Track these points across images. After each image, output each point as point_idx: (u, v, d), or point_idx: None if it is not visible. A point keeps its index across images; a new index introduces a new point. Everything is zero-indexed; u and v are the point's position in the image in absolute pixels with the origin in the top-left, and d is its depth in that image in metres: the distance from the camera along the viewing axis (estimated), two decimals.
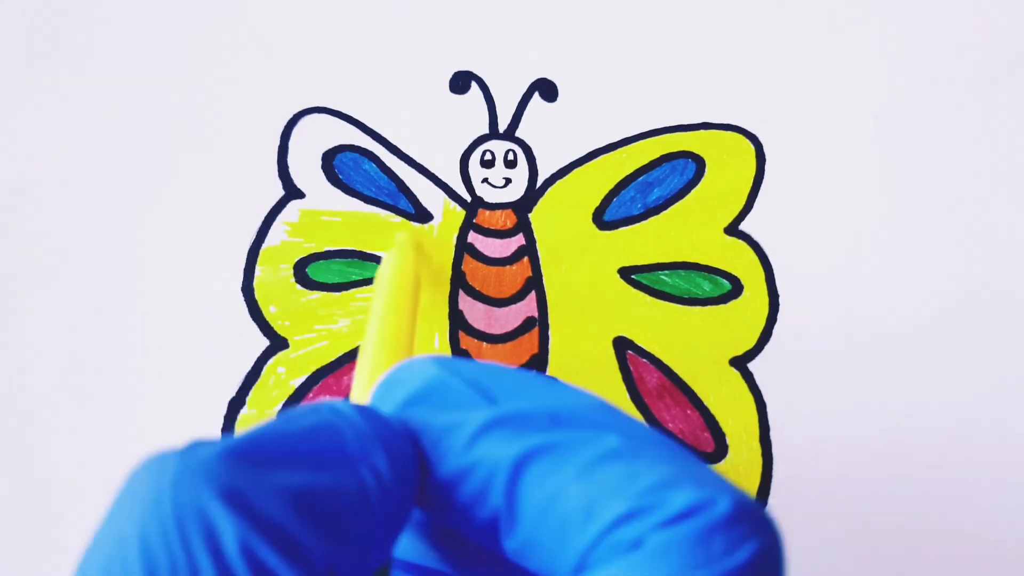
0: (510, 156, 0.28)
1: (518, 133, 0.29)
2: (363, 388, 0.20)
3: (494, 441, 0.13)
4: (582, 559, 0.12)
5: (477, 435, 0.13)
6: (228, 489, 0.11)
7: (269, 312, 0.28)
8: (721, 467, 0.27)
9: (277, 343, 0.28)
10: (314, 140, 0.29)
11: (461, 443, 0.13)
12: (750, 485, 0.27)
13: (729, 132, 0.28)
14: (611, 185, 0.28)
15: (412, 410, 0.14)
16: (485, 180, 0.28)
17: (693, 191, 0.28)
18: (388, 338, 0.22)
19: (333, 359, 0.28)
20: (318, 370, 0.27)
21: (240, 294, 0.28)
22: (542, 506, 0.12)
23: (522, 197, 0.28)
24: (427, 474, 0.14)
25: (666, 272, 0.28)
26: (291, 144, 0.29)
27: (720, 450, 0.27)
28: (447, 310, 0.28)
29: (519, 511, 0.13)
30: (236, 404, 0.27)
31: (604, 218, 0.28)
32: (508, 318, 0.28)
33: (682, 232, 0.28)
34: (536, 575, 0.13)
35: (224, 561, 0.11)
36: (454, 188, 0.28)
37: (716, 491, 0.12)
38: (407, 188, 0.28)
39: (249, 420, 0.27)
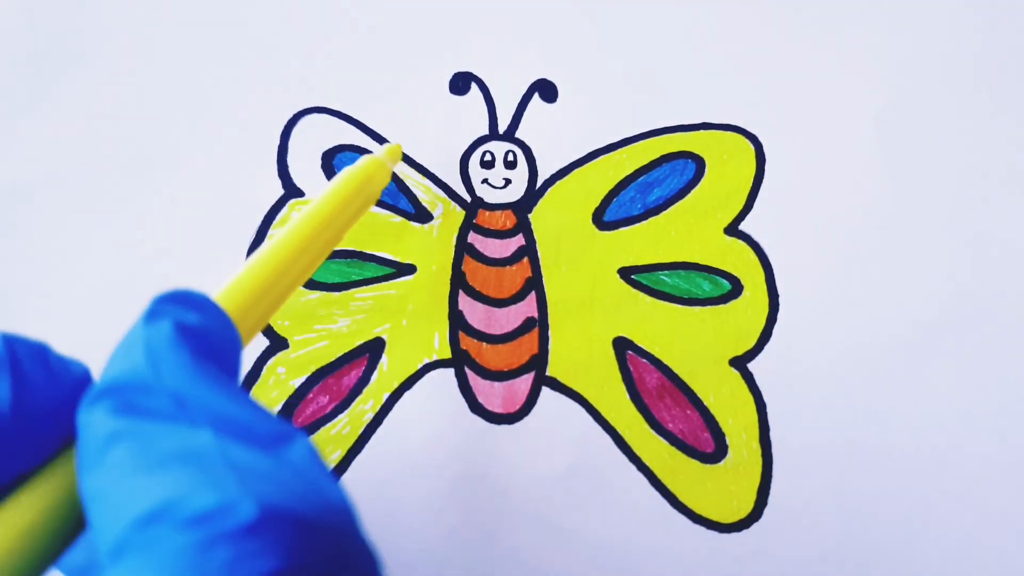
0: (510, 157, 0.28)
1: (518, 134, 0.29)
2: (235, 285, 0.18)
3: (101, 411, 0.13)
4: (117, 547, 0.11)
5: (95, 397, 0.13)
6: None
7: None
8: (721, 467, 0.27)
9: (277, 343, 0.28)
10: (314, 140, 0.29)
11: (88, 398, 0.13)
12: (750, 485, 0.27)
13: (729, 132, 0.28)
14: (611, 185, 0.28)
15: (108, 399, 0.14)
16: (485, 181, 0.28)
17: (693, 191, 0.28)
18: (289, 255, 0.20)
19: (333, 359, 0.28)
20: (318, 370, 0.27)
21: None
22: (104, 486, 0.12)
23: (522, 197, 0.28)
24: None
25: (666, 272, 0.28)
26: (291, 144, 0.29)
27: (720, 450, 0.27)
28: (447, 310, 0.28)
29: (91, 489, 0.12)
30: None
31: (604, 218, 0.28)
32: (508, 318, 0.28)
33: (682, 232, 0.28)
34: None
35: None
36: (454, 188, 0.28)
37: (242, 496, 0.11)
38: (407, 188, 0.28)
39: None
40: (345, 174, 0.24)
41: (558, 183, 0.28)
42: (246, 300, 0.18)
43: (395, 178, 0.28)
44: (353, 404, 0.27)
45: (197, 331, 0.15)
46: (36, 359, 0.14)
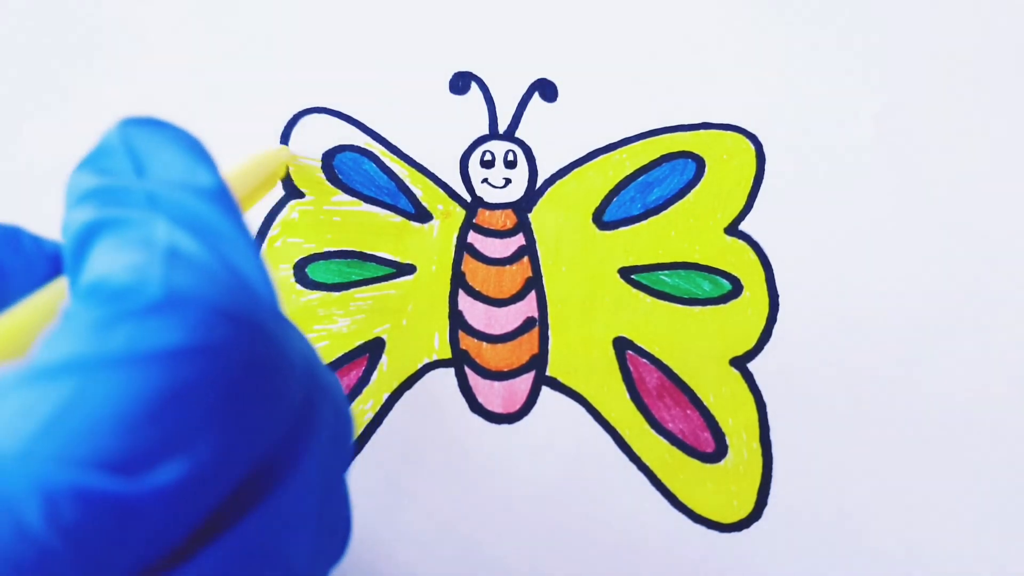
0: (510, 156, 0.28)
1: (518, 133, 0.29)
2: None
3: (82, 209, 0.13)
4: (63, 314, 0.12)
5: (79, 200, 0.13)
6: None
7: None
8: (721, 467, 0.27)
9: None
10: (314, 140, 0.29)
11: (69, 204, 0.14)
12: (750, 485, 0.27)
13: (729, 132, 0.28)
14: (611, 185, 0.28)
15: (83, 168, 0.14)
16: (485, 180, 0.28)
17: (693, 191, 0.28)
18: None
19: (333, 359, 0.28)
20: None
21: None
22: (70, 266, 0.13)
23: (522, 197, 0.28)
24: None
25: (666, 272, 0.28)
26: (291, 144, 0.29)
27: (720, 450, 0.27)
28: (447, 310, 0.28)
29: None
30: None
31: (604, 218, 0.28)
32: (508, 318, 0.28)
33: (682, 232, 0.28)
34: None
35: None
36: (454, 188, 0.28)
37: (153, 279, 0.11)
38: (407, 188, 0.28)
39: None
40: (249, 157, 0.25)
41: (558, 183, 0.28)
42: None
43: (395, 178, 0.28)
44: (353, 404, 0.27)
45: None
46: (9, 245, 0.14)
